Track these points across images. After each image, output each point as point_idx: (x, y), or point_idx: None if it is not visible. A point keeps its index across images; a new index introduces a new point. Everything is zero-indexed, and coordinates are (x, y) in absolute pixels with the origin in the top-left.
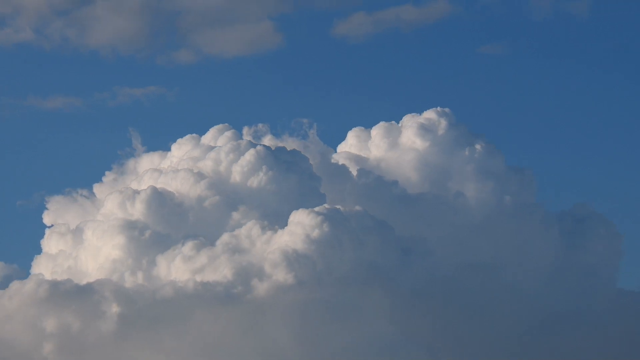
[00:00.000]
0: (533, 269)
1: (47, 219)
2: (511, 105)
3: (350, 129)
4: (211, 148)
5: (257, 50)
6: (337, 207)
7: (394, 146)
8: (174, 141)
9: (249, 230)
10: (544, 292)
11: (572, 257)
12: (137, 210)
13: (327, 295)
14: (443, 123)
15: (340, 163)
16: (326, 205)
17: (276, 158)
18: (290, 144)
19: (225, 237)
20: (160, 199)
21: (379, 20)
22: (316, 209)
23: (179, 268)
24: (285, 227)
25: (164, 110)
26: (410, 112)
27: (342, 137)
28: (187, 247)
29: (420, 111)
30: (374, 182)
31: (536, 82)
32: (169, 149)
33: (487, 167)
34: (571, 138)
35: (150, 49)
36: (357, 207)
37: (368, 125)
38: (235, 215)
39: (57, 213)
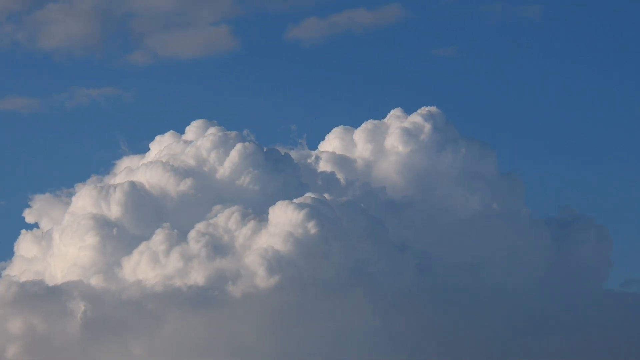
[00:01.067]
0: (520, 270)
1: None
2: (462, 106)
3: (306, 131)
4: (195, 144)
5: (212, 52)
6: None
7: (379, 149)
8: (150, 141)
9: (227, 219)
10: (532, 293)
11: (561, 259)
12: (111, 207)
13: (309, 297)
14: (427, 126)
15: (328, 170)
16: (310, 195)
17: (264, 156)
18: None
19: (200, 227)
20: (135, 195)
21: (333, 24)
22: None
23: (150, 268)
24: (267, 221)
25: (120, 111)
26: (367, 114)
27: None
28: (160, 246)
29: (376, 114)
30: (362, 188)
31: (489, 84)
32: (146, 149)
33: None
34: (526, 139)
35: (104, 51)
36: (344, 198)
37: (325, 127)
38: (216, 210)
39: (38, 213)
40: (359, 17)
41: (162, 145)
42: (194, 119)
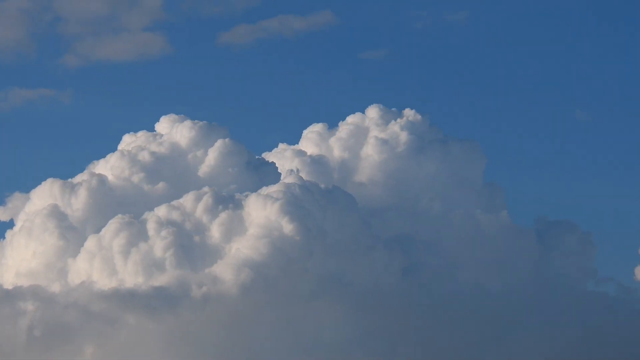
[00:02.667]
0: (503, 273)
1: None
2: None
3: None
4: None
5: (144, 56)
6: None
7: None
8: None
9: (194, 204)
10: (514, 294)
11: (546, 262)
12: (70, 203)
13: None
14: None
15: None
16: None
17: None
18: None
19: (162, 211)
20: (96, 188)
21: (264, 29)
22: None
23: (106, 269)
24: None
25: (59, 112)
26: (301, 115)
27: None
28: (118, 244)
29: (305, 117)
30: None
31: (417, 87)
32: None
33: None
34: None
35: (36, 54)
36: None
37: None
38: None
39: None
40: (290, 23)
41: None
42: (130, 120)
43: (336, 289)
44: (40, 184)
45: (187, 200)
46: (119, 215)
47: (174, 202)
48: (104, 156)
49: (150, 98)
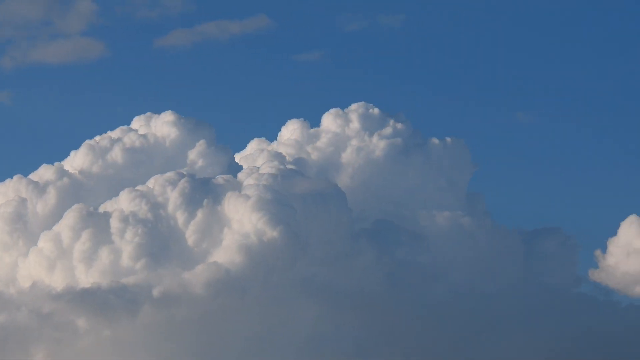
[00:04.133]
0: (487, 274)
1: None
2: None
3: None
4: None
5: (80, 60)
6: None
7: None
8: None
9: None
10: (499, 297)
11: (531, 266)
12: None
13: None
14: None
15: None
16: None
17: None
18: None
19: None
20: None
21: (200, 32)
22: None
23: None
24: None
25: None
26: (240, 116)
27: None
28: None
29: (246, 121)
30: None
31: (349, 88)
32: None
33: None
34: None
35: None
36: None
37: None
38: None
39: None
40: (226, 27)
41: None
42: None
43: (318, 291)
44: None
45: (154, 184)
46: (75, 206)
47: (139, 188)
48: (46, 157)
49: (88, 100)
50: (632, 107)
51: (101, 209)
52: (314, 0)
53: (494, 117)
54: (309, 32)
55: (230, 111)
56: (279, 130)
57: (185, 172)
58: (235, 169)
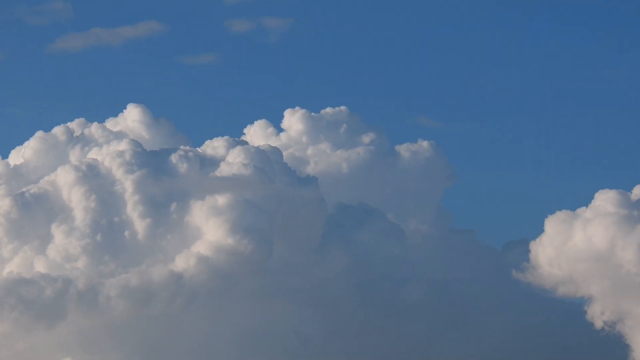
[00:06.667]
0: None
1: None
2: (215, 109)
3: None
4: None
5: None
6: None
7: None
8: None
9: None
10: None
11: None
12: None
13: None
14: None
15: None
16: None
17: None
18: None
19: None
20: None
21: (94, 36)
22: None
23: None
24: None
25: None
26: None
27: None
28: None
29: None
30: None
31: (237, 90)
32: None
33: None
34: None
35: None
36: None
37: None
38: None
39: None
40: (119, 31)
41: None
42: None
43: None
44: None
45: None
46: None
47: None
48: None
49: None
50: (545, 106)
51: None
52: (204, 5)
53: (391, 120)
54: (200, 36)
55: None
56: None
57: None
58: None
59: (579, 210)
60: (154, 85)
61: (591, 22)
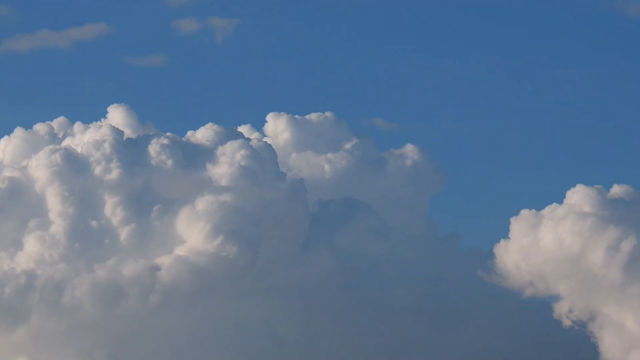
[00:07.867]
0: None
1: None
2: (169, 111)
3: None
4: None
5: None
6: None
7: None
8: None
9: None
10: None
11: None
12: None
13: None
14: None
15: None
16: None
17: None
18: None
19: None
20: None
21: (40, 38)
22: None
23: None
24: None
25: None
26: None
27: None
28: None
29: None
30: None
31: (188, 91)
32: None
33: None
34: None
35: None
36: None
37: None
38: None
39: None
40: (66, 33)
41: None
42: None
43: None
44: None
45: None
46: None
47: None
48: None
49: None
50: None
51: None
52: (152, 6)
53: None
54: (147, 37)
55: (74, 117)
56: None
57: None
58: None
59: (546, 209)
60: (102, 86)
61: (555, 21)
